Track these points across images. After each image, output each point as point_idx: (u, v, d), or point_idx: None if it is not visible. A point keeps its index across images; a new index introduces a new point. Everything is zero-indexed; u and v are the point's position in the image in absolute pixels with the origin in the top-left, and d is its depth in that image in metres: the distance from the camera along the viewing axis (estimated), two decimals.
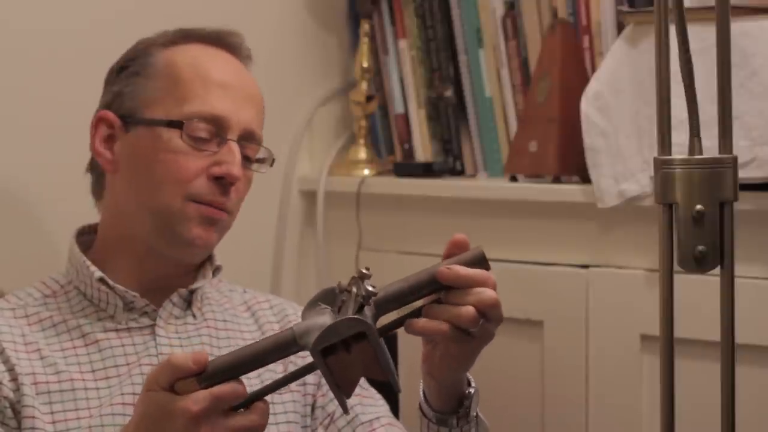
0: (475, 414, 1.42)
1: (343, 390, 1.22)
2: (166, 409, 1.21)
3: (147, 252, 1.52)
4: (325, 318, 1.21)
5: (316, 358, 1.20)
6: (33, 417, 1.42)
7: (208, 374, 1.22)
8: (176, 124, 1.49)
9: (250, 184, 1.56)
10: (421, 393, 1.43)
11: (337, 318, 1.20)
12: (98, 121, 1.55)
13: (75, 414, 1.44)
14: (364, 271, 1.21)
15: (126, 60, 1.57)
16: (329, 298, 1.24)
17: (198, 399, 1.21)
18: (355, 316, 1.19)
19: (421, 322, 1.29)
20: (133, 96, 1.53)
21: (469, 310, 1.27)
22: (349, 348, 1.20)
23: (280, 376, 1.32)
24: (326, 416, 1.54)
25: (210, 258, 1.60)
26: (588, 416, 1.92)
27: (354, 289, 1.21)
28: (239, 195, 1.53)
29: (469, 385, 1.41)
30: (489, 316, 1.30)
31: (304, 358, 1.33)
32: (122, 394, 1.46)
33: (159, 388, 1.23)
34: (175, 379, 1.22)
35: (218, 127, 1.50)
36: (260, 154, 1.56)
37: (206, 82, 1.52)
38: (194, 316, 1.55)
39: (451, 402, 1.40)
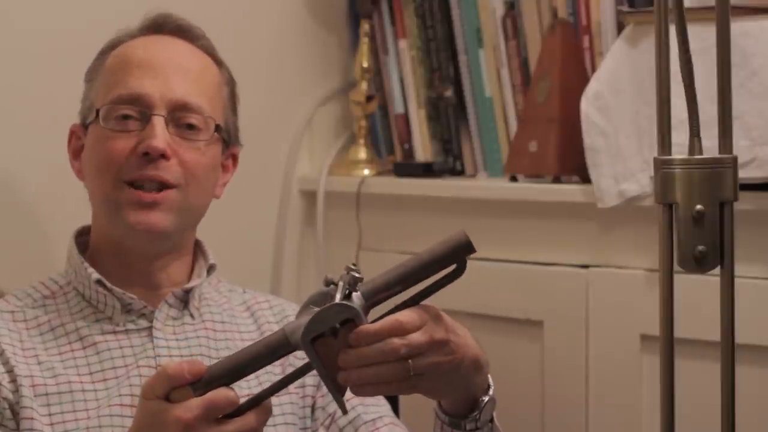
0: (488, 419, 1.41)
1: (339, 387, 1.22)
2: (160, 417, 1.22)
3: (118, 248, 1.53)
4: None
5: (307, 349, 1.20)
6: (31, 419, 1.42)
7: (202, 382, 1.22)
8: (96, 113, 1.52)
9: (203, 154, 1.53)
10: None
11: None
12: (70, 136, 1.60)
13: (73, 416, 1.44)
14: (351, 266, 1.21)
15: (88, 69, 1.61)
16: (321, 300, 1.23)
17: (191, 407, 1.21)
18: (342, 302, 1.19)
19: (364, 389, 1.26)
20: (86, 102, 1.58)
21: (384, 369, 1.24)
22: (340, 339, 1.20)
23: (278, 377, 1.32)
24: (327, 416, 1.54)
25: (203, 256, 1.60)
26: (588, 416, 1.92)
27: (341, 282, 1.20)
28: (187, 167, 1.51)
29: (487, 391, 1.39)
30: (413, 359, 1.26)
31: (302, 359, 1.33)
32: (120, 395, 1.46)
33: (154, 396, 1.24)
34: (170, 388, 1.23)
35: (141, 106, 1.50)
36: (195, 121, 1.52)
37: (126, 66, 1.53)
38: (192, 316, 1.55)
39: (464, 406, 1.39)
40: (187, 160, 1.51)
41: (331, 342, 1.20)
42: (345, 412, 1.26)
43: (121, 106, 1.50)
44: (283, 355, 1.25)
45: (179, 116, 1.51)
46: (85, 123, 1.56)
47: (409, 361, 1.25)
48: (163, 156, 1.48)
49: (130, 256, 1.53)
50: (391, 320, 1.25)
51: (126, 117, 1.51)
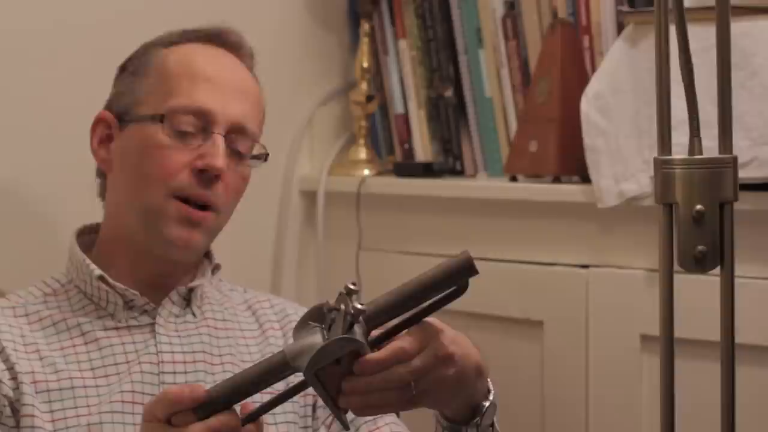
0: (489, 423, 1.40)
1: (340, 407, 1.22)
2: None
3: (140, 251, 1.52)
4: (315, 337, 1.21)
5: (311, 380, 1.20)
6: (32, 416, 1.42)
7: (203, 405, 1.22)
8: (159, 118, 1.49)
9: (246, 182, 1.55)
10: None
11: (327, 338, 1.19)
12: (97, 122, 1.56)
13: (74, 412, 1.44)
14: (351, 286, 1.20)
15: (128, 60, 1.58)
16: (319, 316, 1.23)
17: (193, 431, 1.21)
18: (346, 336, 1.19)
19: (369, 410, 1.26)
20: (128, 95, 1.55)
21: (387, 395, 1.24)
22: (343, 365, 1.20)
23: (278, 390, 1.31)
24: (328, 416, 1.54)
25: (208, 256, 1.60)
26: (588, 416, 1.92)
27: (342, 307, 1.20)
28: (229, 191, 1.51)
29: (487, 395, 1.39)
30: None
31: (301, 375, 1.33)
32: (122, 392, 1.46)
33: (155, 419, 1.24)
34: (172, 412, 1.23)
35: (204, 122, 1.50)
36: (254, 150, 1.55)
37: (193, 76, 1.52)
38: (194, 314, 1.55)
39: (464, 413, 1.39)
40: (232, 184, 1.52)
41: (333, 369, 1.21)
42: (348, 428, 1.27)
43: (184, 117, 1.49)
44: (283, 377, 1.25)
45: (234, 138, 1.52)
46: (123, 116, 1.54)
47: (412, 383, 1.25)
48: (218, 176, 1.48)
49: (152, 260, 1.52)
50: (394, 348, 1.24)
51: (185, 131, 1.49)
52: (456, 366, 1.28)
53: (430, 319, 1.28)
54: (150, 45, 1.58)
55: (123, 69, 1.58)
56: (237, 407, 1.25)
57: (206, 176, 1.48)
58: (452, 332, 1.30)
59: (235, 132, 1.52)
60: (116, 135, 1.54)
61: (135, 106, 1.53)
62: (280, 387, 1.33)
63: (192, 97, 1.50)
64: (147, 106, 1.52)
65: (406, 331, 1.27)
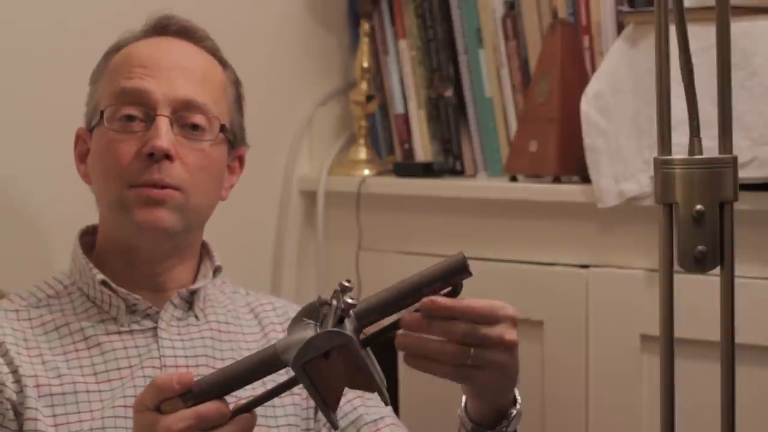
0: (513, 431, 1.40)
1: (329, 404, 1.22)
2: (151, 429, 1.22)
3: (125, 251, 1.52)
4: (307, 332, 1.21)
5: (298, 373, 1.20)
6: (35, 419, 1.42)
7: (193, 393, 1.22)
8: (101, 114, 1.51)
9: (211, 157, 1.52)
10: (463, 401, 1.41)
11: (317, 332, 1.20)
12: (76, 140, 1.59)
13: (77, 417, 1.44)
14: (345, 283, 1.20)
15: (93, 72, 1.60)
16: (313, 312, 1.23)
17: (181, 417, 1.21)
18: (334, 329, 1.18)
19: (419, 363, 1.26)
20: (91, 106, 1.56)
21: (445, 346, 1.25)
22: (332, 360, 1.20)
23: (271, 384, 1.31)
24: None
25: (209, 257, 1.60)
26: (588, 416, 1.92)
27: (334, 302, 1.20)
28: (189, 169, 1.50)
29: (514, 404, 1.39)
30: (480, 346, 1.26)
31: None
32: (124, 396, 1.45)
33: (145, 408, 1.24)
34: (160, 400, 1.23)
35: (145, 106, 1.49)
36: (199, 121, 1.51)
37: (129, 65, 1.52)
38: (197, 317, 1.55)
39: (491, 417, 1.38)
40: (191, 162, 1.50)
41: (322, 363, 1.20)
42: (337, 427, 1.26)
43: (124, 106, 1.50)
44: (273, 371, 1.25)
45: (183, 116, 1.50)
46: (90, 126, 1.56)
47: (472, 350, 1.25)
48: (168, 157, 1.47)
49: (136, 257, 1.52)
50: (465, 302, 1.25)
51: (130, 118, 1.49)
52: (512, 358, 1.30)
53: (503, 303, 1.29)
54: (106, 53, 1.59)
55: (91, 81, 1.59)
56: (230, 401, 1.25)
57: (155, 159, 1.47)
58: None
59: (183, 109, 1.50)
60: (89, 147, 1.56)
61: (94, 114, 1.55)
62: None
63: (128, 83, 1.51)
64: (99, 109, 1.53)
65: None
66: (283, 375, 1.27)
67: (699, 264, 0.94)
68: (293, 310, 1.63)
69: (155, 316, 1.52)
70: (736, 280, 0.95)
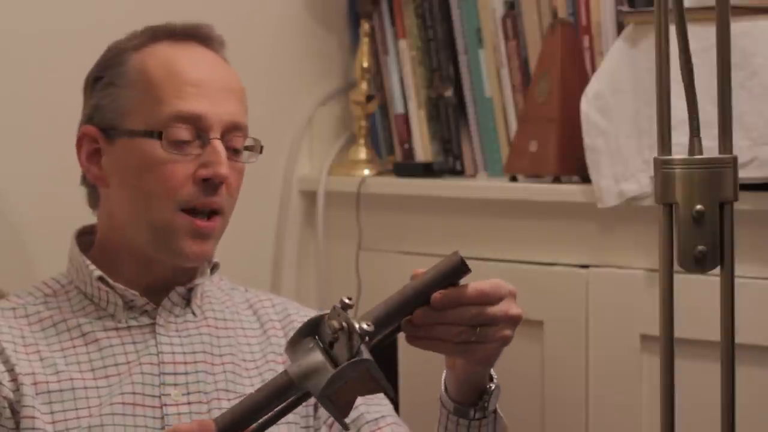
0: (493, 409, 1.43)
1: (341, 411, 1.23)
2: None
3: (146, 259, 1.52)
4: (316, 355, 1.22)
5: (325, 404, 1.21)
6: (33, 417, 1.42)
7: None
8: (155, 134, 1.48)
9: (242, 175, 1.54)
10: (443, 383, 1.43)
11: (331, 355, 1.21)
12: (81, 138, 1.55)
13: (75, 413, 1.44)
14: (347, 301, 1.20)
15: (99, 69, 1.55)
16: (311, 329, 1.24)
17: None
18: (357, 359, 1.19)
19: (421, 342, 1.31)
20: (111, 108, 1.52)
21: (451, 329, 1.29)
22: (351, 380, 1.21)
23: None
24: (329, 416, 1.54)
25: None
26: (588, 416, 1.92)
27: (345, 325, 1.20)
28: (231, 190, 1.51)
29: (491, 380, 1.43)
30: (483, 325, 1.31)
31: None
32: (122, 393, 1.46)
33: None
34: None
35: (198, 128, 1.48)
36: (247, 142, 1.54)
37: (179, 82, 1.50)
38: (194, 314, 1.55)
39: (471, 395, 1.42)
40: (233, 183, 1.51)
41: (341, 384, 1.21)
42: (347, 428, 1.29)
43: (179, 127, 1.48)
44: (289, 397, 1.25)
45: (229, 138, 1.51)
46: (110, 130, 1.51)
47: (478, 329, 1.30)
48: (221, 182, 1.48)
49: (159, 267, 1.52)
50: (477, 289, 1.29)
51: (183, 141, 1.48)
52: (513, 331, 1.35)
53: (501, 281, 1.32)
54: (120, 50, 1.54)
55: (97, 79, 1.54)
56: None
57: (211, 184, 1.48)
58: None
59: (230, 131, 1.51)
60: (105, 150, 1.52)
61: (122, 119, 1.51)
62: None
63: (183, 105, 1.48)
64: (136, 119, 1.50)
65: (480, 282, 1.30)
66: None
67: (699, 264, 0.94)
68: (292, 307, 1.64)
69: (153, 312, 1.52)
70: (736, 280, 0.95)
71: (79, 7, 1.93)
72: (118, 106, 1.51)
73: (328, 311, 1.22)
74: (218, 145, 1.48)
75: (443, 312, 1.28)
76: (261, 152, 1.56)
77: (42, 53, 1.88)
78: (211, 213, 1.50)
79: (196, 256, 1.49)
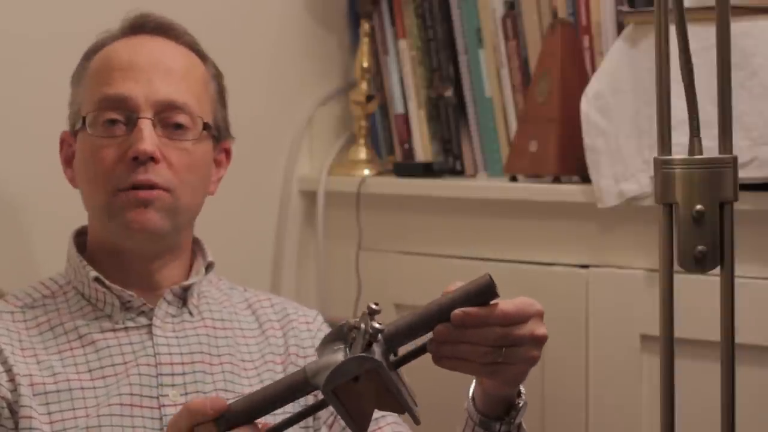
0: (518, 423, 1.41)
1: (358, 424, 1.23)
2: None
3: (117, 251, 1.52)
4: (337, 356, 1.22)
5: (329, 397, 1.21)
6: (30, 417, 1.42)
7: (225, 418, 1.23)
8: (84, 120, 1.51)
9: (197, 156, 1.52)
10: (470, 393, 1.42)
11: (347, 356, 1.21)
12: (61, 143, 1.59)
13: (72, 414, 1.44)
14: (373, 306, 1.21)
15: (74, 73, 1.59)
16: (341, 335, 1.24)
17: None
18: (363, 354, 1.19)
19: (447, 362, 1.28)
20: (72, 110, 1.57)
21: (477, 349, 1.27)
22: (362, 383, 1.21)
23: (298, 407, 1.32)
24: (330, 415, 1.54)
25: (202, 254, 1.60)
26: (588, 416, 1.92)
27: (362, 326, 1.21)
28: (175, 169, 1.50)
29: (519, 395, 1.40)
30: (509, 346, 1.28)
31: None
32: (119, 394, 1.46)
33: (179, 431, 1.24)
34: (194, 424, 1.23)
35: (127, 110, 1.49)
36: (182, 120, 1.51)
37: (108, 69, 1.52)
38: (191, 314, 1.55)
39: (498, 409, 1.40)
40: (176, 162, 1.50)
41: (352, 387, 1.21)
42: None
43: (106, 111, 1.50)
44: (303, 394, 1.25)
45: (166, 116, 1.50)
46: (73, 130, 1.56)
47: (503, 349, 1.27)
48: (153, 159, 1.48)
49: (127, 257, 1.53)
50: (499, 310, 1.26)
51: (112, 122, 1.50)
52: (539, 352, 1.31)
53: (530, 299, 1.30)
54: (84, 55, 1.59)
55: (71, 83, 1.59)
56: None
57: (140, 162, 1.48)
58: None
59: (165, 110, 1.50)
60: (75, 150, 1.56)
61: (77, 118, 1.55)
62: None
63: (109, 89, 1.50)
64: (81, 114, 1.53)
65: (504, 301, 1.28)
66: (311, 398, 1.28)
67: (699, 264, 0.94)
68: (291, 307, 1.64)
69: (149, 313, 1.52)
70: (736, 280, 0.95)
71: (79, 8, 1.93)
72: (75, 105, 1.56)
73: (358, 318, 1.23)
74: (142, 123, 1.48)
75: (466, 331, 1.25)
76: (205, 129, 1.54)
77: (42, 54, 1.88)
78: (153, 188, 1.49)
79: (140, 225, 1.48)
